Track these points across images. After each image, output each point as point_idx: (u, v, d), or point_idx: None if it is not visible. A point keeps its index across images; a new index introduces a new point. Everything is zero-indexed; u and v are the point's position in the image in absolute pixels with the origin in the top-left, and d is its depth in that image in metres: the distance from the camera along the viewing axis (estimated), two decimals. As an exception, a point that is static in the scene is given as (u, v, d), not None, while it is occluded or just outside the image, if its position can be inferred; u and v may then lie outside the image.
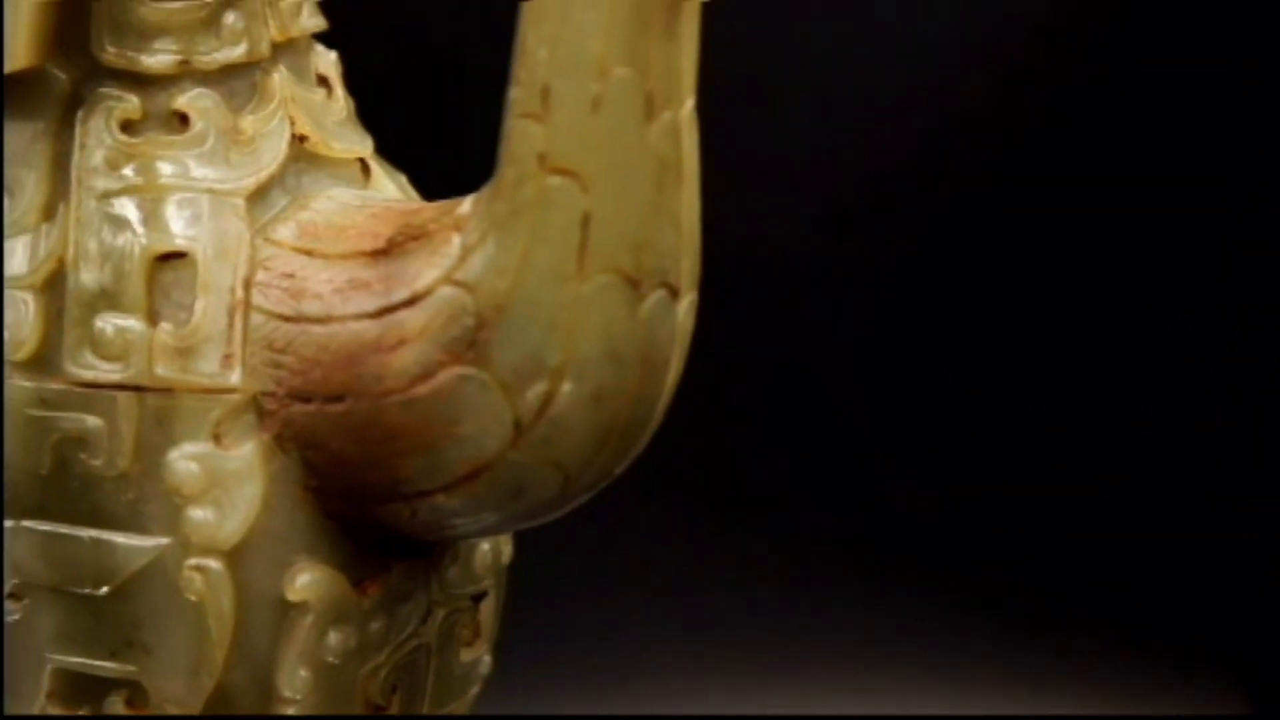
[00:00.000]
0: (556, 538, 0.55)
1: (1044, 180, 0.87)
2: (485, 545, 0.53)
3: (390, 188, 0.53)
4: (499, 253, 0.46)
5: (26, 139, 0.48)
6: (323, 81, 0.52)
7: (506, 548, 0.54)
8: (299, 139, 0.50)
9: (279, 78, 0.50)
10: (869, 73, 0.85)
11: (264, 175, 0.49)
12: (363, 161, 0.53)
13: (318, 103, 0.52)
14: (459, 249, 0.46)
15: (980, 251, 0.87)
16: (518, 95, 0.45)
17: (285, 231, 0.49)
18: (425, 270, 0.47)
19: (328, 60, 0.53)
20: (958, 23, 0.86)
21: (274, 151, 0.50)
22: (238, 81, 0.49)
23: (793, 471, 0.86)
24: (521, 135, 0.45)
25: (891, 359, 0.87)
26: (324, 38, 0.52)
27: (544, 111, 0.45)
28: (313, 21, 0.52)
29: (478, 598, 0.53)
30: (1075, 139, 0.87)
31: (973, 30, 0.86)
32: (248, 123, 0.49)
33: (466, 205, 0.47)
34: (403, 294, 0.47)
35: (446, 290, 0.46)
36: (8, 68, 0.47)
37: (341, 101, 0.53)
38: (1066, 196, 0.86)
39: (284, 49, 0.51)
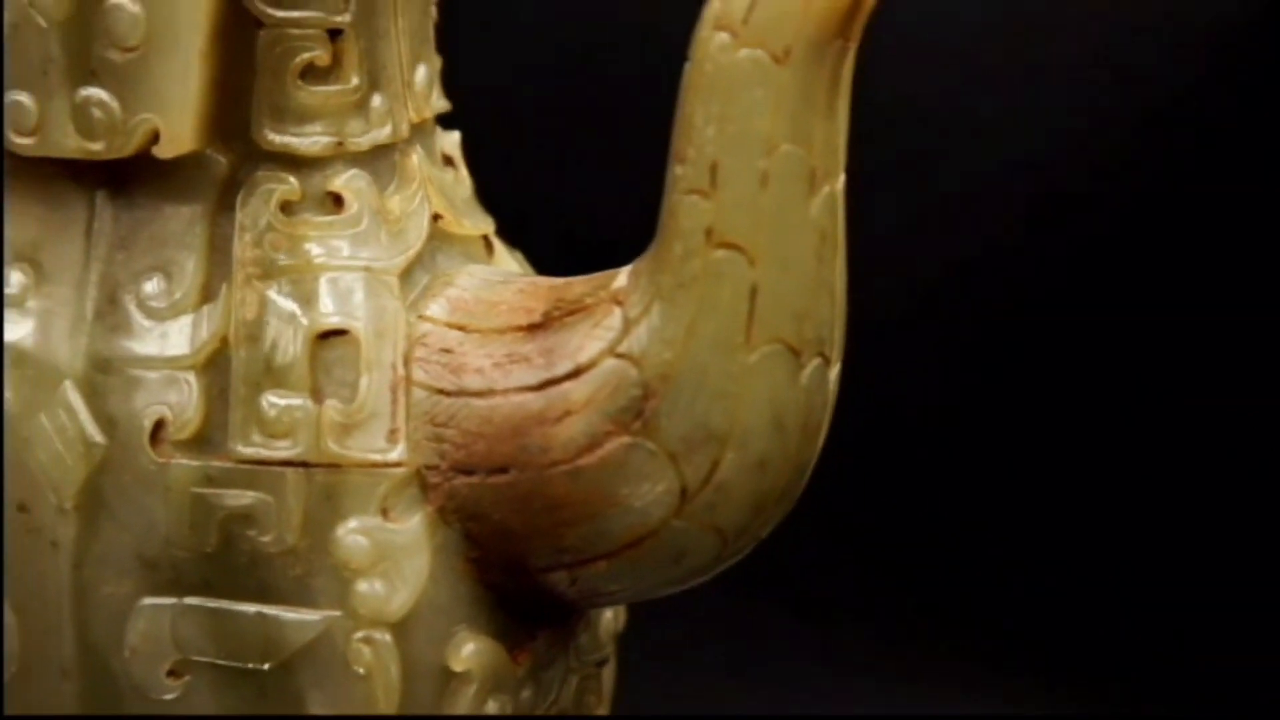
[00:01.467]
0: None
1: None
2: (609, 613, 0.54)
3: (512, 263, 0.54)
4: (664, 325, 0.47)
5: (184, 222, 0.49)
6: (448, 161, 0.54)
7: (621, 614, 0.55)
8: (434, 218, 0.52)
9: (417, 158, 0.51)
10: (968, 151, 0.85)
11: (411, 254, 0.50)
12: (486, 238, 0.54)
13: (449, 182, 0.53)
14: (621, 321, 0.48)
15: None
16: (684, 172, 0.46)
17: (436, 308, 0.50)
18: (587, 343, 0.48)
19: (451, 140, 0.54)
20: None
21: (418, 230, 0.51)
22: (382, 163, 0.50)
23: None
24: (689, 210, 0.46)
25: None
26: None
27: (712, 187, 0.46)
28: (440, 103, 0.53)
29: (601, 663, 0.54)
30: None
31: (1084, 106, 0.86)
32: (395, 203, 0.50)
33: (623, 279, 0.49)
34: (566, 367, 0.48)
35: (611, 362, 0.48)
36: (173, 152, 0.48)
37: (467, 180, 0.54)
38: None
39: (418, 130, 0.52)
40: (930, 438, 0.86)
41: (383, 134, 0.50)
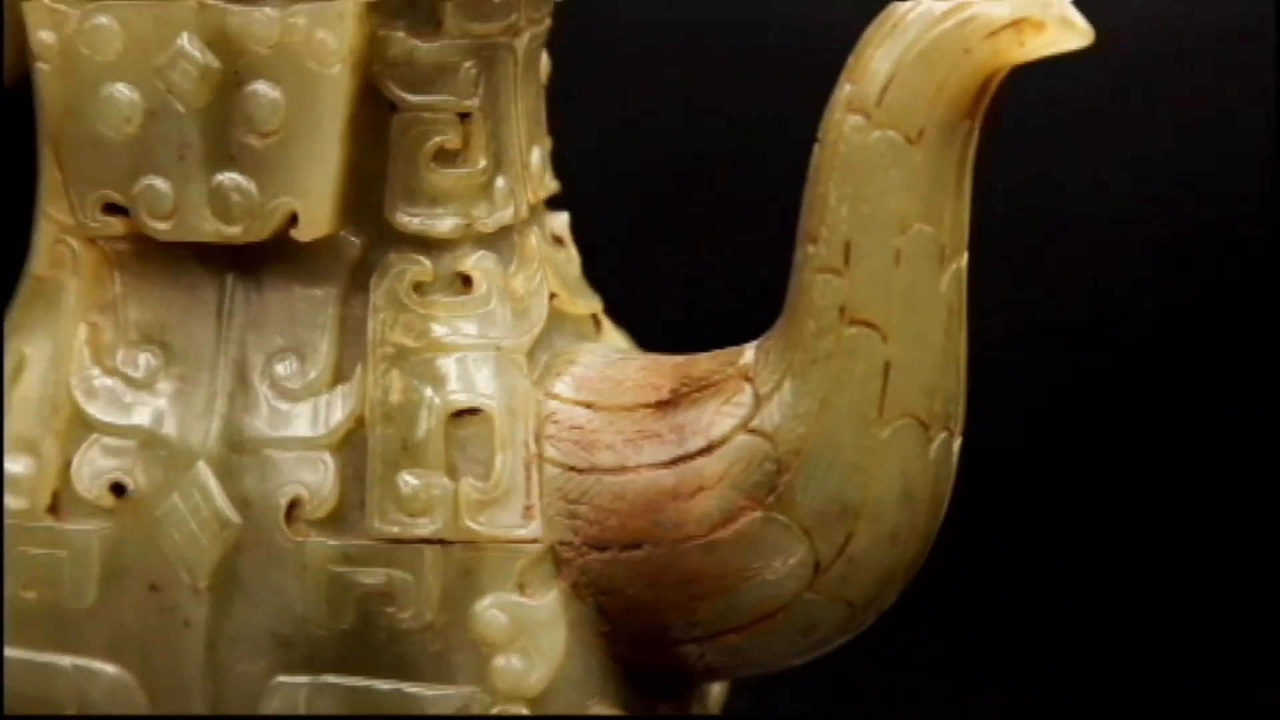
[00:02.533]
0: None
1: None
2: (717, 685, 0.55)
3: (620, 340, 0.55)
4: (797, 400, 0.48)
5: (317, 303, 0.50)
6: (557, 240, 0.55)
7: (726, 684, 0.56)
8: (551, 296, 0.52)
9: (534, 238, 0.52)
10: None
11: (535, 333, 0.51)
12: (595, 317, 0.55)
13: (561, 261, 0.54)
14: (752, 398, 0.49)
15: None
16: (817, 250, 0.47)
17: (562, 386, 0.51)
18: (719, 419, 0.49)
19: (561, 220, 0.55)
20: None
21: (540, 309, 0.51)
22: (504, 243, 0.51)
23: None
24: (822, 288, 0.47)
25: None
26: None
27: (845, 266, 0.47)
28: (552, 183, 0.54)
29: (710, 734, 0.55)
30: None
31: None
32: (518, 282, 0.51)
33: (749, 356, 0.49)
34: (698, 443, 0.49)
35: (744, 438, 0.48)
36: (312, 235, 0.48)
37: (576, 259, 0.55)
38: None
39: (534, 210, 0.53)
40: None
41: (506, 215, 0.51)
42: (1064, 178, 0.82)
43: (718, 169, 0.75)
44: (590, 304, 0.54)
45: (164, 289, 0.50)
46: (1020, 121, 0.73)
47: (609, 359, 0.52)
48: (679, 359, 0.52)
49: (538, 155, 0.53)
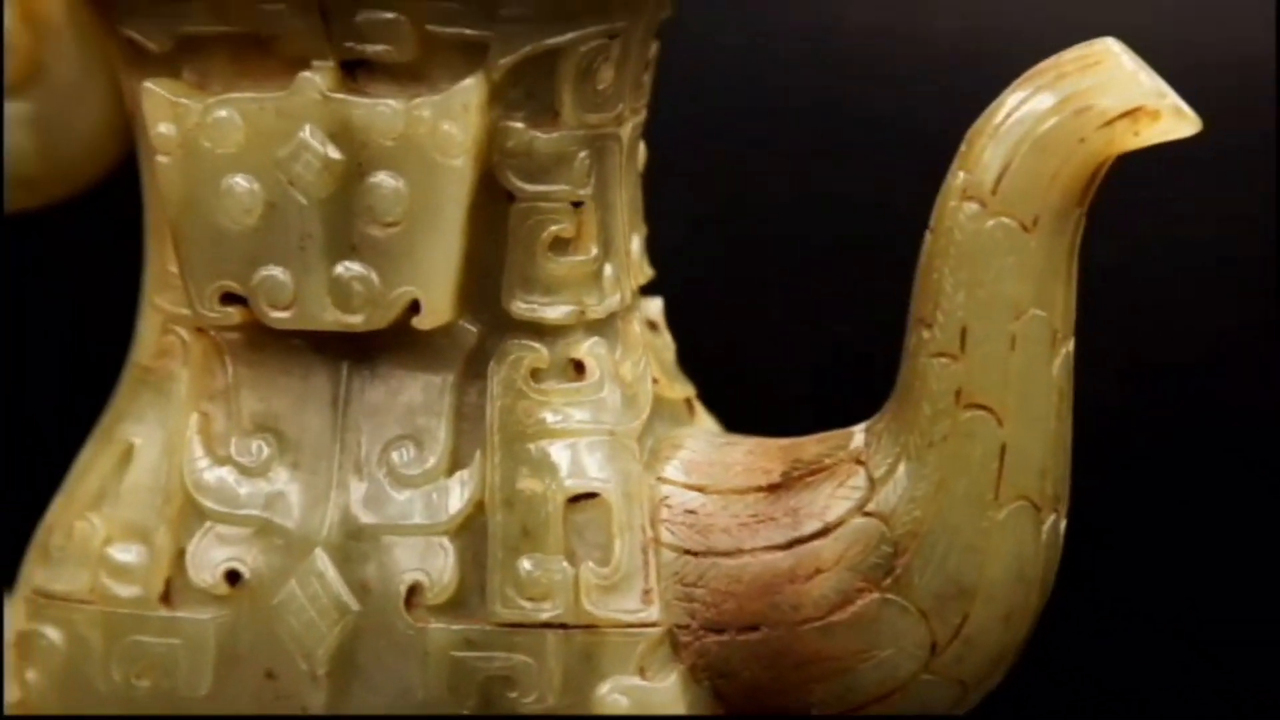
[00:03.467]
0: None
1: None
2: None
3: (712, 424, 0.56)
4: (913, 483, 0.49)
5: (434, 391, 0.50)
6: (652, 326, 0.55)
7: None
8: (653, 381, 0.53)
9: (637, 324, 0.53)
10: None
11: (644, 418, 0.52)
12: (688, 401, 0.55)
13: (659, 346, 0.55)
14: (866, 481, 0.49)
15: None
16: (932, 335, 0.48)
17: (672, 470, 0.51)
18: (834, 503, 0.49)
19: (655, 306, 0.55)
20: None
21: (646, 394, 0.52)
22: (611, 330, 0.52)
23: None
24: (938, 373, 0.48)
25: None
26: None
27: (961, 351, 0.48)
28: (649, 270, 0.55)
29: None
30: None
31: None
32: (626, 368, 0.52)
33: (859, 439, 0.50)
34: (813, 526, 0.49)
35: (860, 521, 0.49)
36: (433, 323, 0.49)
37: (671, 345, 0.56)
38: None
39: (634, 296, 0.53)
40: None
41: (614, 302, 0.52)
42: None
43: (798, 255, 0.76)
44: (685, 389, 0.55)
45: (277, 377, 0.51)
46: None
47: (714, 443, 0.53)
48: (784, 442, 0.52)
49: (637, 242, 0.54)
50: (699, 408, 0.56)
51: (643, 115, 0.53)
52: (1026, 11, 0.74)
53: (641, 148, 0.54)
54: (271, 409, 0.51)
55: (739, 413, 0.57)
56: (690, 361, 0.56)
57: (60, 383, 0.78)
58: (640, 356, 0.53)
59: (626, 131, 0.52)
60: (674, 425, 0.54)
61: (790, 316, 0.75)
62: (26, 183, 0.55)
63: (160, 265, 0.52)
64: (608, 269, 0.52)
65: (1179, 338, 0.80)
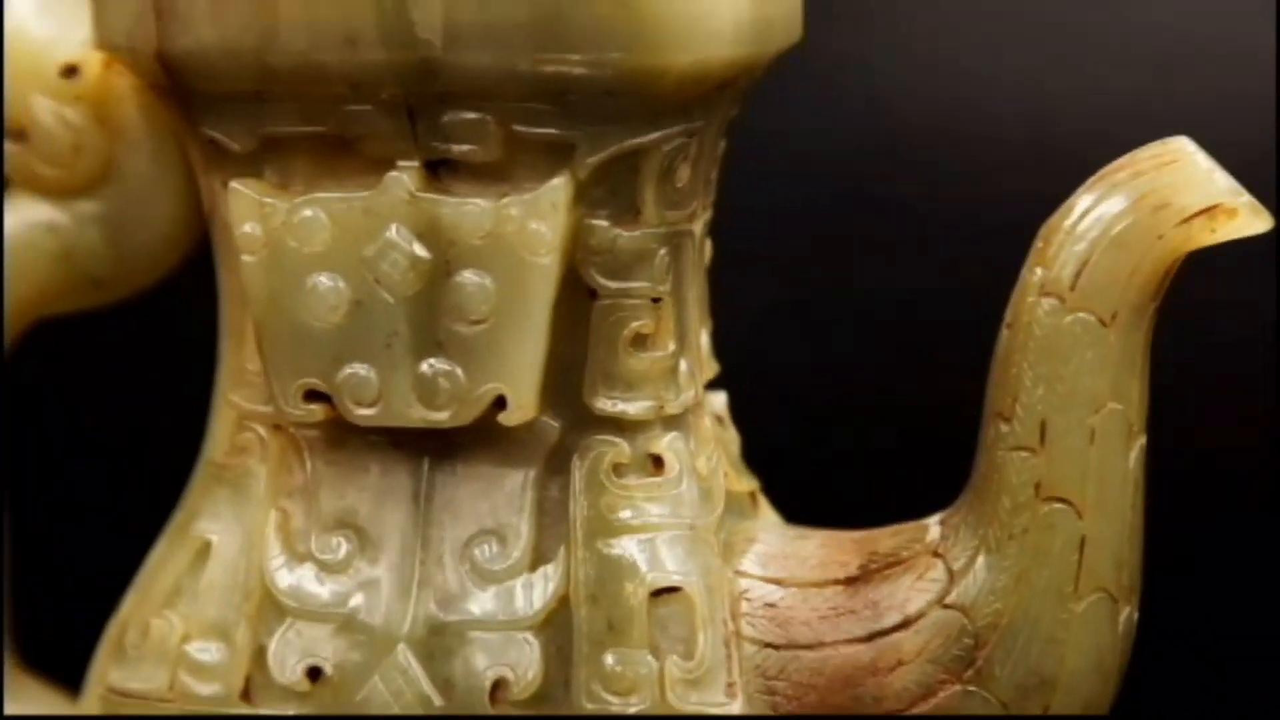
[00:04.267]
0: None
1: None
2: None
3: (774, 517, 0.56)
4: (993, 576, 0.49)
5: (515, 486, 0.51)
6: (718, 420, 0.56)
7: None
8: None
9: (707, 419, 0.54)
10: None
11: (719, 511, 0.52)
12: (752, 494, 0.56)
13: (726, 440, 0.55)
14: (945, 574, 0.50)
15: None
16: (1010, 429, 0.49)
17: (749, 563, 0.52)
18: (914, 595, 0.50)
19: (721, 400, 0.56)
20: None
21: (720, 488, 0.53)
22: (685, 424, 0.52)
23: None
24: (1018, 466, 0.49)
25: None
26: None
27: (1040, 444, 0.49)
28: (714, 365, 0.55)
29: None
30: None
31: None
32: (701, 462, 0.52)
33: (935, 532, 0.51)
34: (894, 618, 0.50)
35: (940, 613, 0.50)
36: (519, 419, 0.49)
37: (736, 438, 0.56)
38: None
39: (704, 391, 0.54)
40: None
41: (689, 397, 0.52)
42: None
43: (858, 348, 0.77)
44: (750, 482, 0.55)
45: (357, 474, 0.51)
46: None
47: (786, 535, 0.53)
48: (856, 535, 0.53)
49: (705, 337, 0.54)
50: (762, 500, 0.56)
51: (710, 211, 0.54)
52: (1090, 111, 0.75)
53: (708, 243, 0.55)
54: (351, 505, 0.51)
55: (795, 506, 0.58)
56: (749, 455, 0.57)
57: (125, 479, 0.79)
58: (713, 450, 0.53)
59: (698, 228, 0.53)
60: (742, 518, 0.54)
61: (849, 411, 0.76)
62: (97, 281, 0.56)
63: (237, 362, 0.53)
64: (683, 364, 0.52)
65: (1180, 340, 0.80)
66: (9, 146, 0.55)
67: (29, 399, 0.62)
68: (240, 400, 0.52)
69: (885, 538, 0.52)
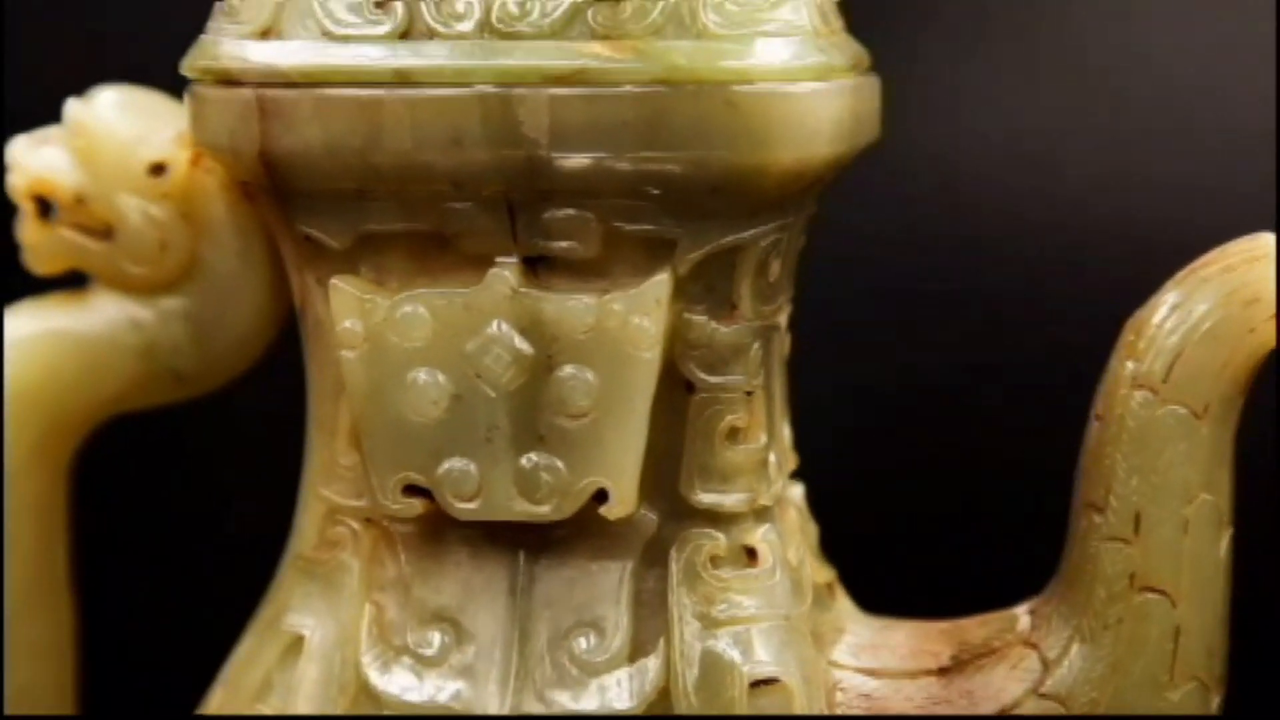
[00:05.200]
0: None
1: None
2: None
3: (850, 606, 0.57)
4: (1088, 665, 0.50)
5: (612, 578, 0.51)
6: (798, 511, 0.56)
7: None
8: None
9: (791, 510, 0.54)
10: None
11: (809, 601, 0.53)
12: (829, 584, 0.56)
13: (810, 532, 0.56)
14: (1040, 664, 0.50)
15: None
16: (1104, 520, 0.50)
17: (841, 654, 0.52)
18: (1009, 685, 0.50)
19: (799, 491, 0.56)
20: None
21: (808, 579, 0.53)
22: (774, 516, 0.53)
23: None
24: (1112, 557, 0.50)
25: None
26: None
27: (1135, 535, 0.49)
28: (794, 456, 0.56)
29: None
30: None
31: None
32: (791, 554, 0.53)
33: (1025, 622, 0.51)
34: (990, 708, 0.50)
35: (1036, 703, 0.50)
36: (621, 513, 0.49)
37: (815, 529, 0.57)
38: None
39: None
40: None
41: (778, 489, 0.53)
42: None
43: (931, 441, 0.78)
44: (828, 573, 0.56)
45: (451, 567, 0.51)
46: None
47: (872, 625, 0.54)
48: (943, 625, 0.53)
49: (787, 429, 0.55)
50: (839, 590, 0.57)
51: (791, 305, 0.55)
52: (1170, 206, 0.76)
53: (787, 335, 0.56)
54: (447, 599, 0.51)
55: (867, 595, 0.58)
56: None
57: (191, 571, 0.79)
58: (799, 541, 0.54)
59: (783, 320, 0.53)
60: (824, 609, 0.54)
61: (922, 501, 0.77)
62: (179, 376, 0.56)
63: (328, 457, 0.53)
64: (772, 456, 0.53)
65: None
66: (94, 244, 0.55)
67: (103, 488, 0.62)
68: (332, 494, 0.53)
69: (974, 627, 0.52)
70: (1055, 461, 0.54)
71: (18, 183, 0.56)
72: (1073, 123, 0.77)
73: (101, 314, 0.56)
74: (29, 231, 0.56)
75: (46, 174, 0.55)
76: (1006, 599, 0.54)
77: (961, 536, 0.77)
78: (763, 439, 0.52)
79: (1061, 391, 0.53)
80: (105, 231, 0.55)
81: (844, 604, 0.56)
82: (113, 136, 0.55)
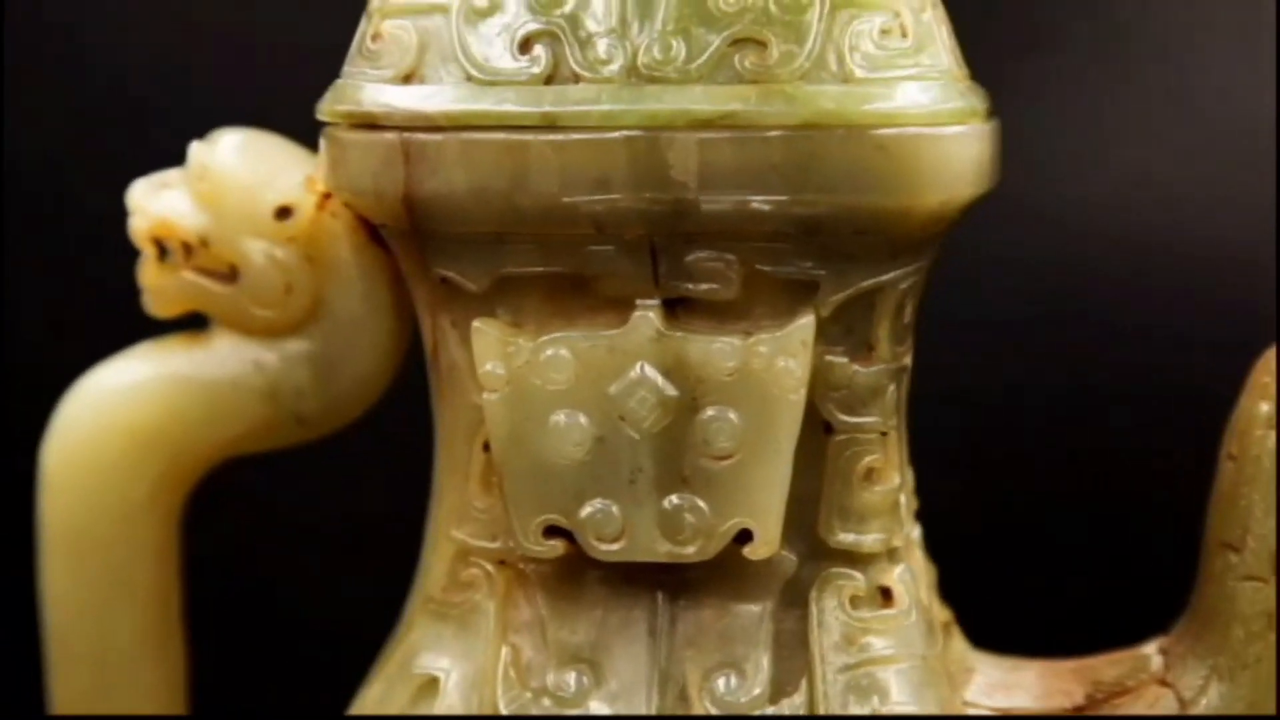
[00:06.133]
0: None
1: None
2: None
3: (962, 644, 0.57)
4: (1227, 704, 0.50)
5: (753, 619, 0.51)
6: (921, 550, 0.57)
7: None
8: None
9: (918, 551, 0.54)
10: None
11: (941, 642, 0.53)
12: (946, 624, 0.56)
13: (930, 572, 0.56)
14: (1176, 702, 0.51)
15: None
16: (1241, 559, 0.50)
17: (974, 694, 0.52)
18: (1149, 726, 0.51)
19: (917, 532, 0.57)
20: None
21: (938, 619, 0.53)
22: (905, 556, 0.53)
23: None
24: (1250, 596, 0.50)
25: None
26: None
27: (1271, 574, 0.50)
28: (915, 498, 0.56)
29: None
30: None
31: None
32: (923, 593, 0.53)
33: (1157, 661, 0.52)
34: (1128, 748, 0.51)
35: (1176, 741, 0.51)
36: (765, 553, 0.50)
37: (933, 569, 0.57)
38: None
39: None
40: None
41: (909, 529, 0.53)
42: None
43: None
44: (946, 612, 0.56)
45: (590, 609, 0.51)
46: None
47: (1000, 665, 0.54)
48: (1071, 664, 0.54)
49: (910, 470, 0.55)
50: (956, 629, 0.57)
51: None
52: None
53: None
54: (585, 640, 0.51)
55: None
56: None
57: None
58: (929, 582, 0.54)
59: (909, 361, 0.54)
60: (948, 649, 0.55)
61: (1030, 540, 0.77)
62: (300, 419, 0.56)
63: (461, 499, 0.53)
64: (902, 498, 0.53)
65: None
66: (217, 287, 0.55)
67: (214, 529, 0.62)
68: (464, 536, 0.53)
69: (1105, 666, 0.53)
70: (1168, 499, 0.54)
71: (140, 226, 0.56)
72: (1193, 159, 0.77)
73: (224, 356, 0.56)
74: (150, 274, 0.56)
75: (170, 217, 0.55)
76: (1117, 636, 0.55)
77: (1071, 575, 0.77)
78: (896, 480, 0.52)
79: (1180, 428, 0.53)
80: (229, 274, 0.55)
81: (961, 643, 0.57)
82: (238, 180, 0.55)
